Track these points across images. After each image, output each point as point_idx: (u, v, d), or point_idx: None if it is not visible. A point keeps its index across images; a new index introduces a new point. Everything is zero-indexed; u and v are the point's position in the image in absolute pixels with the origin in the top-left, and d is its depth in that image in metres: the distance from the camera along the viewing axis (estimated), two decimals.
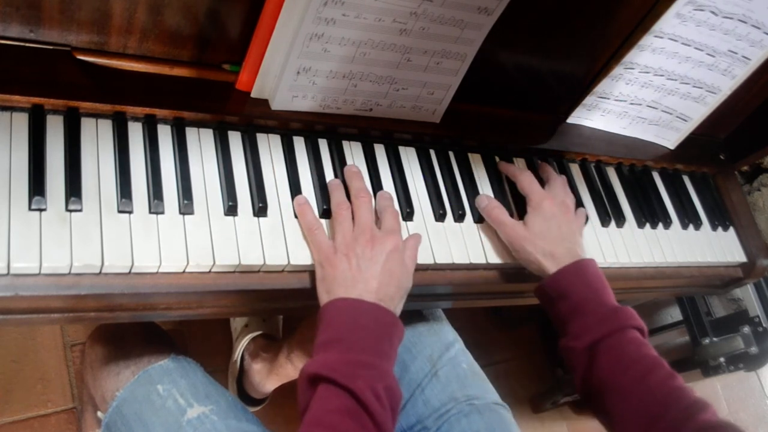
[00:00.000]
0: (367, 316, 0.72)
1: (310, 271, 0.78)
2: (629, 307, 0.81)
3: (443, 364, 0.94)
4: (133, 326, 0.92)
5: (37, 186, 0.67)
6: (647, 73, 1.01)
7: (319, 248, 0.77)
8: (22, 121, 0.70)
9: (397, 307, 0.76)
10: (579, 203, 1.01)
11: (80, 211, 0.68)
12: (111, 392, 0.85)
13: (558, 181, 0.94)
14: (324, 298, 0.75)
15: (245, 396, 1.33)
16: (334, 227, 0.78)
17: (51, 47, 0.73)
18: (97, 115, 0.75)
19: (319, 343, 0.71)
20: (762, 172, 1.33)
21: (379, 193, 0.85)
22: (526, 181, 0.92)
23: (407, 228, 0.86)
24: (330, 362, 0.68)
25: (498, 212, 0.89)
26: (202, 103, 0.80)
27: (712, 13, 0.94)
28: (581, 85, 1.03)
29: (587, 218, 0.99)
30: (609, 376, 0.76)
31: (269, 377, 1.26)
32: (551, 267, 0.85)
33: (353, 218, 0.79)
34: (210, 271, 0.74)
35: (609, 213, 1.03)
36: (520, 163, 1.01)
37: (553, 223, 0.87)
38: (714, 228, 1.14)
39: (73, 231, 0.67)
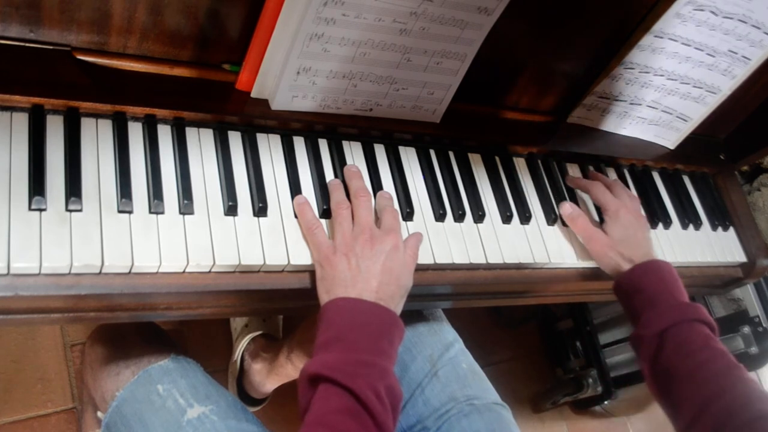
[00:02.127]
0: (367, 316, 0.72)
1: (310, 271, 0.78)
2: (700, 304, 0.84)
3: (443, 364, 0.94)
4: (133, 326, 0.92)
5: (37, 186, 0.67)
6: (647, 73, 1.01)
7: (319, 248, 0.77)
8: (22, 121, 0.70)
9: (398, 306, 0.76)
10: (578, 203, 1.01)
11: (80, 211, 0.68)
12: (111, 392, 0.85)
13: (623, 189, 0.98)
14: (324, 297, 0.75)
15: (245, 396, 1.33)
16: (334, 227, 0.78)
17: (51, 47, 0.73)
18: (97, 115, 0.75)
19: (319, 342, 0.71)
20: (762, 172, 1.33)
21: (378, 193, 0.85)
22: (600, 191, 0.97)
23: (407, 228, 0.86)
24: (330, 362, 0.68)
25: (582, 221, 0.95)
26: (202, 103, 0.80)
27: (712, 13, 0.94)
28: (581, 85, 1.03)
29: None
30: (674, 361, 0.80)
31: (269, 377, 1.26)
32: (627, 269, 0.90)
33: (353, 218, 0.79)
34: (210, 271, 0.74)
35: None
36: (519, 163, 1.01)
37: (631, 230, 0.93)
38: (714, 228, 1.14)
39: (73, 231, 0.67)
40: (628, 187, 1.09)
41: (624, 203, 0.95)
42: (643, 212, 0.99)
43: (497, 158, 0.99)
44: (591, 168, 1.07)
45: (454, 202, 0.91)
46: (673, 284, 0.87)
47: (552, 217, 0.97)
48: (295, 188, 0.82)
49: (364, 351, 0.69)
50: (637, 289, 0.87)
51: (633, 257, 0.90)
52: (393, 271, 0.76)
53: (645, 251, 0.91)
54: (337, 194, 0.81)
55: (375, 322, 0.72)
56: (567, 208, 0.97)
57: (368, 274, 0.74)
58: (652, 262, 0.89)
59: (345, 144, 0.88)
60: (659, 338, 0.82)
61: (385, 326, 0.73)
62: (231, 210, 0.76)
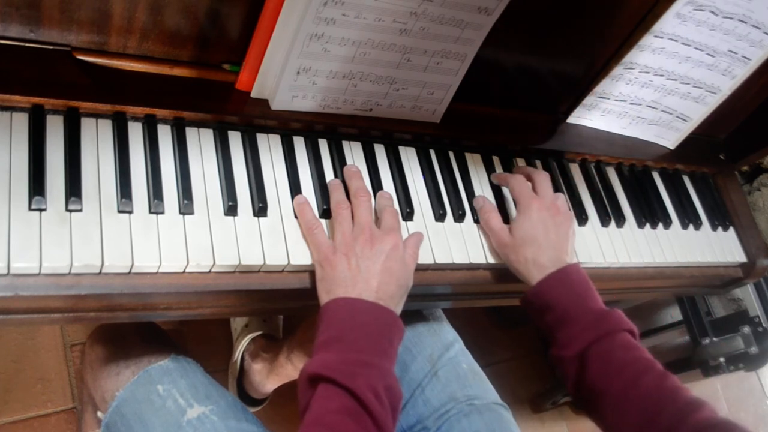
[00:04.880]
0: (367, 316, 0.72)
1: (310, 271, 0.78)
2: (617, 310, 0.79)
3: (443, 364, 0.94)
4: (133, 326, 0.92)
5: (37, 186, 0.67)
6: (647, 73, 1.01)
7: (319, 248, 0.77)
8: (22, 121, 0.70)
9: (398, 306, 0.76)
10: (579, 203, 1.01)
11: (80, 211, 0.68)
12: (111, 392, 0.85)
13: (544, 181, 0.90)
14: (324, 297, 0.75)
15: (245, 396, 1.33)
16: (334, 227, 0.78)
17: (51, 47, 0.73)
18: (97, 115, 0.75)
19: (319, 342, 0.71)
20: (762, 172, 1.33)
21: (378, 193, 0.85)
22: (515, 183, 0.89)
23: (407, 228, 0.86)
24: (330, 362, 0.68)
25: (489, 216, 0.88)
26: (202, 103, 0.80)
27: (712, 13, 0.94)
28: (581, 85, 1.03)
29: (587, 218, 1.00)
30: (601, 382, 0.75)
31: (269, 377, 1.26)
32: (535, 276, 0.83)
33: (353, 218, 0.79)
34: (210, 271, 0.74)
35: (609, 213, 1.03)
36: (520, 163, 1.01)
37: (540, 229, 0.85)
38: (714, 228, 1.14)
39: (73, 231, 0.67)
40: (627, 186, 1.09)
41: (539, 197, 0.87)
42: (562, 209, 0.88)
43: (497, 158, 0.99)
44: (570, 162, 1.07)
45: (454, 202, 0.91)
46: (584, 292, 0.80)
47: None
48: (295, 188, 0.82)
49: (364, 351, 0.69)
50: (548, 305, 0.81)
51: (538, 260, 0.83)
52: (393, 271, 0.76)
53: (553, 255, 0.83)
54: (337, 194, 0.81)
55: (375, 322, 0.72)
56: (479, 201, 0.90)
57: (368, 274, 0.74)
58: (558, 273, 0.82)
59: (345, 144, 0.88)
60: (580, 359, 0.77)
61: (384, 326, 0.73)
62: (231, 210, 0.76)
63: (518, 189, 0.89)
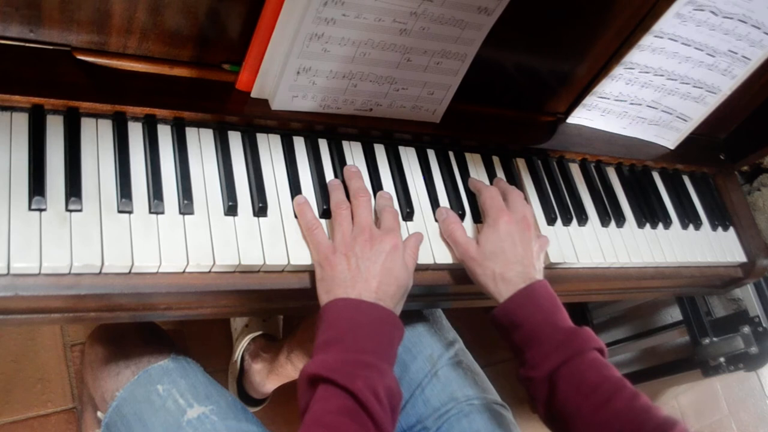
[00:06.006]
0: (367, 316, 0.72)
1: (310, 271, 0.78)
2: (586, 328, 0.77)
3: (443, 364, 0.94)
4: (133, 326, 0.92)
5: (37, 186, 0.67)
6: (647, 73, 1.01)
7: (318, 248, 0.77)
8: (22, 121, 0.70)
9: (397, 307, 0.76)
10: (579, 203, 1.01)
11: (80, 211, 0.68)
12: (111, 392, 0.85)
13: (518, 198, 0.88)
14: (324, 298, 0.75)
15: (245, 396, 1.33)
16: (334, 227, 0.78)
17: (51, 47, 0.73)
18: (97, 115, 0.75)
19: (319, 343, 0.71)
20: (762, 172, 1.33)
21: (378, 193, 0.85)
22: (487, 195, 0.87)
23: (407, 228, 0.86)
24: (329, 362, 0.68)
25: (453, 228, 0.86)
26: (202, 103, 0.80)
27: (712, 13, 0.94)
28: (581, 85, 1.03)
29: (587, 218, 1.00)
30: (572, 403, 0.73)
31: (269, 377, 1.26)
32: (503, 292, 0.80)
33: (353, 218, 0.79)
34: (210, 271, 0.74)
35: (609, 213, 1.03)
36: (519, 163, 1.01)
37: (508, 243, 0.82)
38: (714, 228, 1.14)
39: (73, 231, 0.67)
40: (627, 186, 1.09)
41: (509, 211, 0.85)
42: (532, 225, 0.86)
43: (497, 158, 0.99)
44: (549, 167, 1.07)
45: (454, 202, 0.91)
46: (551, 310, 0.78)
47: (551, 217, 0.97)
48: (295, 188, 0.82)
49: (364, 351, 0.70)
50: (515, 324, 0.78)
51: (505, 275, 0.80)
52: (392, 271, 0.76)
53: (521, 270, 0.81)
54: (336, 194, 0.81)
55: (375, 323, 0.72)
56: (442, 213, 0.88)
57: (368, 274, 0.74)
58: (525, 290, 0.79)
59: (345, 144, 0.88)
60: (550, 380, 0.75)
61: (384, 327, 0.73)
62: (231, 210, 0.76)
63: (489, 200, 0.87)
